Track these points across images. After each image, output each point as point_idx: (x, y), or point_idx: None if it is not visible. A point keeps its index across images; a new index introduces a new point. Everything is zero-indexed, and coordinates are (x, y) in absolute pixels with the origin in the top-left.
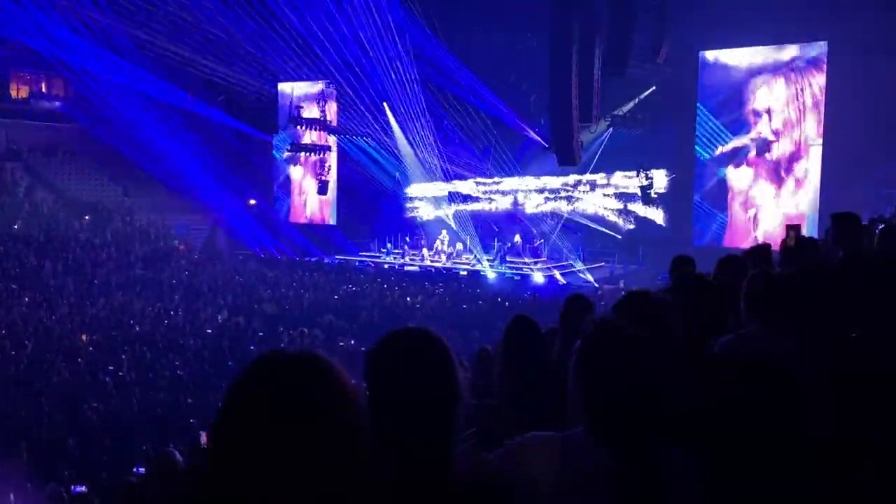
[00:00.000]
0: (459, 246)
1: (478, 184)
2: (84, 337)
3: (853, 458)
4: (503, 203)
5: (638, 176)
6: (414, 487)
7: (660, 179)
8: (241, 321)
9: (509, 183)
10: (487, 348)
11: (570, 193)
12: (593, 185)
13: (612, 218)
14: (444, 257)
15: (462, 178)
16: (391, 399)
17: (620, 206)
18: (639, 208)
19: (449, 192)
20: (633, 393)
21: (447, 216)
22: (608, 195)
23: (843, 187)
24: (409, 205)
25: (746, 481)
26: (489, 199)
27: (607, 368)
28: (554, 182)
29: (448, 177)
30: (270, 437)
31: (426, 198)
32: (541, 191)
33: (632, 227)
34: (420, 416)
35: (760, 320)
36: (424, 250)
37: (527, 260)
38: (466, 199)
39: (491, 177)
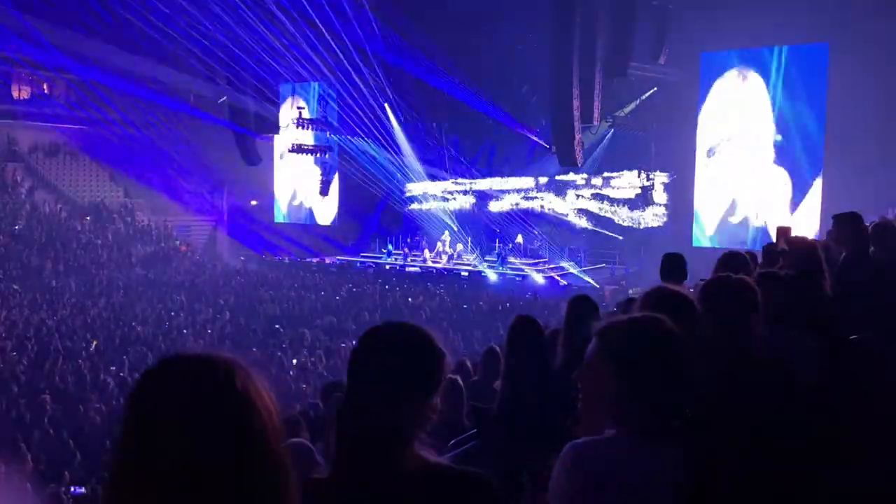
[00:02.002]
0: (460, 247)
1: (455, 183)
2: (95, 343)
3: (860, 455)
4: (465, 202)
5: (639, 177)
6: (364, 477)
7: (661, 180)
8: (243, 322)
9: (485, 183)
10: (495, 347)
11: (536, 195)
12: (565, 186)
13: (571, 218)
14: (444, 258)
15: (461, 176)
16: (358, 387)
17: (582, 206)
18: (594, 206)
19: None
20: (685, 388)
21: (447, 215)
22: (583, 196)
23: (844, 190)
24: (409, 206)
25: (765, 473)
26: (454, 198)
27: (668, 364)
28: (526, 182)
29: (443, 177)
30: (166, 448)
31: (425, 195)
32: (509, 191)
33: (588, 226)
34: (379, 405)
35: (773, 322)
36: (426, 251)
37: (528, 261)
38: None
39: (474, 177)
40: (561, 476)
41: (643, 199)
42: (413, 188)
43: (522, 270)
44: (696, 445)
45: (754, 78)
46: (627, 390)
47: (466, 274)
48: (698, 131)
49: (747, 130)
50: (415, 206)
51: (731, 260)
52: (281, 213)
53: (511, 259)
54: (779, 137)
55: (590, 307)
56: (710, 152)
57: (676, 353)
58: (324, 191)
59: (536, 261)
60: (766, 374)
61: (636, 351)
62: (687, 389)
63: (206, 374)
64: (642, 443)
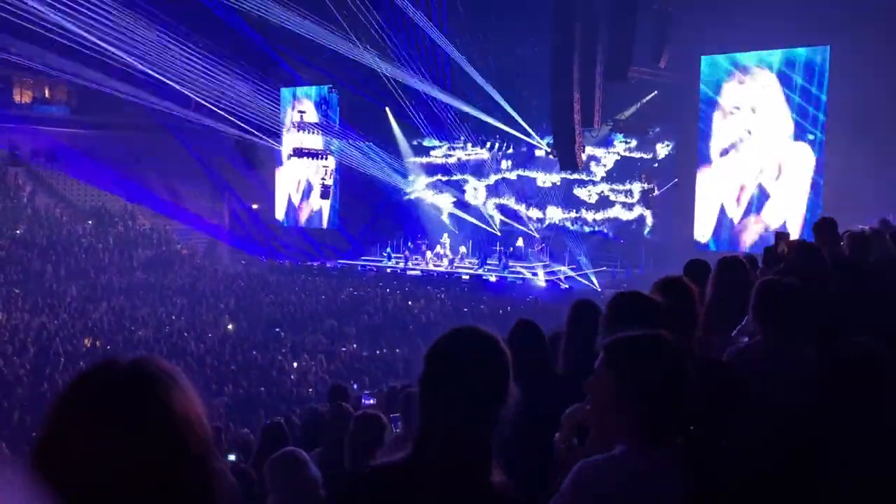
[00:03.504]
0: (463, 249)
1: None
2: (87, 341)
3: (860, 459)
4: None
5: (641, 180)
6: (457, 492)
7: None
8: (244, 326)
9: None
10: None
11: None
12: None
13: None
14: (445, 261)
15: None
16: (447, 395)
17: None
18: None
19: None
20: (687, 403)
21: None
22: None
23: (845, 192)
24: (409, 196)
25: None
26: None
27: (670, 382)
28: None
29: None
30: (87, 453)
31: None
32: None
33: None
34: (473, 416)
35: (773, 330)
36: (427, 253)
37: (529, 264)
38: None
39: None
40: (571, 496)
41: (644, 203)
42: (414, 188)
43: (523, 274)
44: (693, 456)
45: (764, 76)
46: (629, 405)
47: (467, 278)
48: (714, 129)
49: (764, 128)
50: (414, 193)
51: (729, 265)
52: (282, 216)
53: (512, 262)
54: (812, 136)
55: (593, 312)
56: (725, 152)
57: (679, 371)
58: (325, 194)
59: (538, 264)
60: (709, 377)
61: (639, 367)
62: (689, 405)
63: (133, 383)
64: (648, 456)
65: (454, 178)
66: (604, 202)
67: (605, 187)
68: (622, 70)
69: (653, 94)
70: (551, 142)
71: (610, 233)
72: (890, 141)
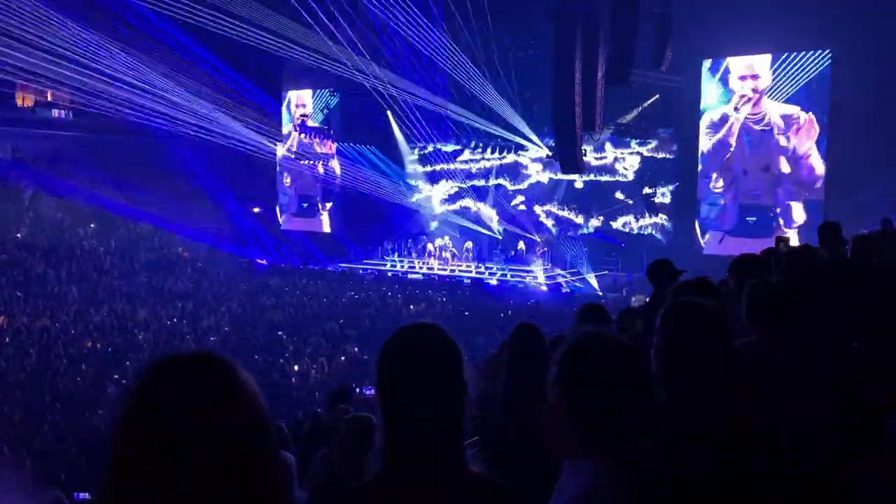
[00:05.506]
0: (468, 244)
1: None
2: (88, 344)
3: (850, 458)
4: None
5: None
6: (430, 486)
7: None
8: (245, 329)
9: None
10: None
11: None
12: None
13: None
14: (447, 263)
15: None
16: (403, 393)
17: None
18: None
19: None
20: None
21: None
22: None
23: (847, 196)
24: (411, 200)
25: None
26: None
27: (602, 378)
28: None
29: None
30: (164, 442)
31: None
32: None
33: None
34: (432, 411)
35: (761, 329)
36: (429, 245)
37: (530, 267)
38: None
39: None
40: None
41: (646, 207)
42: (416, 193)
43: (524, 277)
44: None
45: (765, 78)
46: (569, 412)
47: (468, 281)
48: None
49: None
50: (416, 197)
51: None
52: (283, 219)
53: (513, 265)
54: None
55: (600, 316)
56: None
57: (617, 378)
58: (326, 198)
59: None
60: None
61: (572, 373)
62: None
63: (213, 371)
64: (588, 472)
65: (489, 183)
66: (641, 205)
67: (644, 189)
68: (624, 73)
69: (655, 98)
70: (552, 144)
71: (663, 238)
72: (891, 145)
